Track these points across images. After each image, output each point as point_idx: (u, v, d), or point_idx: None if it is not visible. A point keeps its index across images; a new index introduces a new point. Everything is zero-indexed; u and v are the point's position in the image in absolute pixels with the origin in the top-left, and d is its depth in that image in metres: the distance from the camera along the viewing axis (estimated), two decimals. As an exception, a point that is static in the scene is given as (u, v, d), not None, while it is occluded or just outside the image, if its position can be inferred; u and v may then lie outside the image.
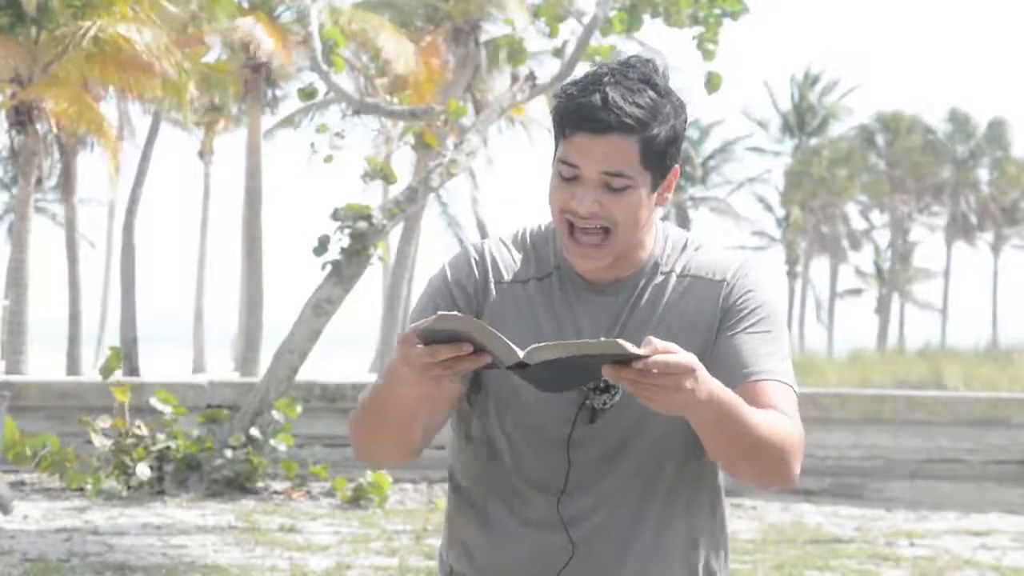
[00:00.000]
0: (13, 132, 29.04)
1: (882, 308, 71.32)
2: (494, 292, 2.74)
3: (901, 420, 14.47)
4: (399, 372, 2.52)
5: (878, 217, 73.10)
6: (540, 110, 38.96)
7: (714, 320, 2.72)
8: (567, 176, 2.62)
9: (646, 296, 2.73)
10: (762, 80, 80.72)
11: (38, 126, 28.78)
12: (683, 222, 72.96)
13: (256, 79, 36.27)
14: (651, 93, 2.62)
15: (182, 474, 13.14)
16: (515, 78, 16.10)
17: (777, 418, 2.64)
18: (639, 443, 2.72)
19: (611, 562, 2.72)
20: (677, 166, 2.71)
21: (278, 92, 40.81)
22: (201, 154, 56.80)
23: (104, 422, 13.30)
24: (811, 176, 68.06)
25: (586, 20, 15.15)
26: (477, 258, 2.77)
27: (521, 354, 2.42)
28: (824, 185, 68.11)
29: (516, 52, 17.01)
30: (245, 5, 34.44)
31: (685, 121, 2.70)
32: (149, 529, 11.32)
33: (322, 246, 13.88)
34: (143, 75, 26.40)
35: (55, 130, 29.86)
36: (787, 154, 72.99)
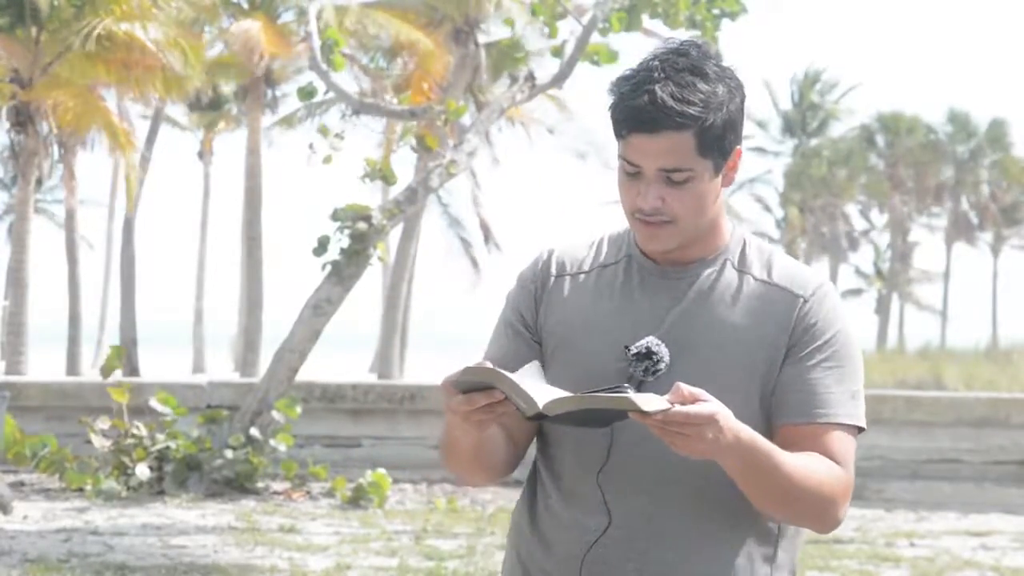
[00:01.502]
0: (13, 132, 29.03)
1: (882, 308, 71.33)
2: (554, 284, 2.81)
3: (901, 420, 14.47)
4: (448, 418, 2.65)
5: (878, 217, 73.15)
6: (540, 109, 38.96)
7: (782, 335, 2.69)
8: (630, 172, 2.67)
9: (710, 286, 2.73)
10: (762, 80, 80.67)
11: (38, 126, 28.77)
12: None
13: (256, 79, 36.27)
14: (701, 84, 2.63)
15: (182, 474, 13.14)
16: (514, 78, 16.09)
17: (819, 465, 2.63)
18: None
19: (647, 544, 2.70)
20: (740, 147, 2.73)
21: (278, 92, 40.83)
22: (201, 154, 56.79)
23: (104, 423, 13.31)
24: (811, 176, 68.07)
25: (585, 20, 15.16)
26: (544, 257, 2.85)
27: (540, 405, 2.48)
28: (824, 185, 68.12)
29: (516, 53, 17.01)
30: (245, 6, 34.44)
31: (743, 101, 2.70)
32: (149, 529, 11.32)
33: (322, 247, 13.89)
34: (145, 72, 26.39)
35: (55, 130, 29.85)
36: (787, 154, 73.02)
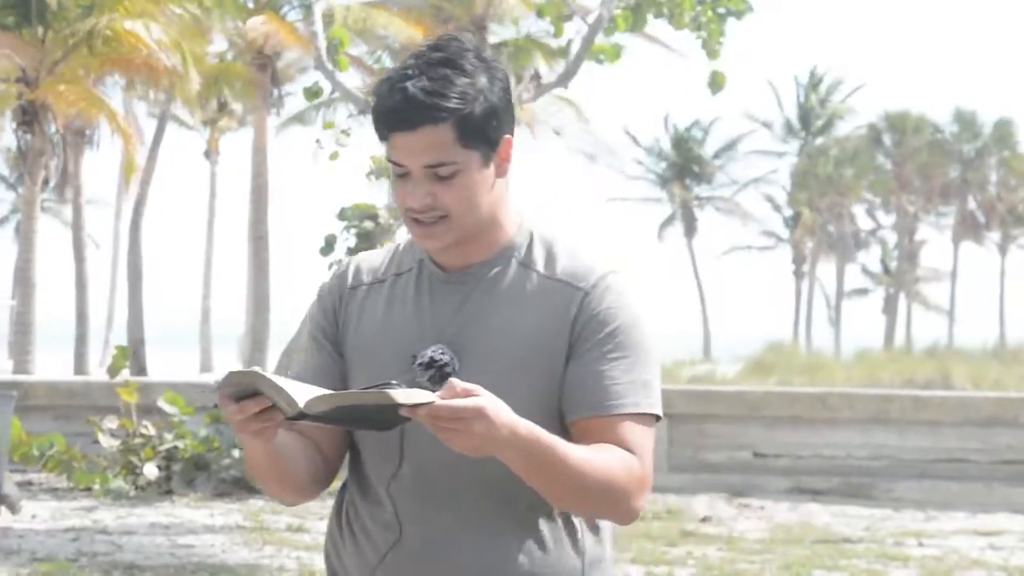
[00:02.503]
0: (20, 132, 29.05)
1: (889, 308, 71.27)
2: (351, 295, 2.77)
3: (908, 420, 14.45)
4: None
5: (884, 217, 73.09)
6: (543, 109, 38.96)
7: (563, 330, 2.64)
8: (400, 174, 2.65)
9: (495, 285, 2.69)
10: (766, 80, 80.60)
11: (45, 126, 28.79)
12: (689, 221, 72.97)
13: (262, 78, 36.27)
14: (456, 76, 2.61)
15: (190, 474, 13.15)
16: (520, 77, 16.09)
17: (608, 456, 2.56)
18: None
19: (440, 554, 2.66)
20: (510, 136, 2.68)
21: (284, 91, 40.82)
22: (207, 154, 56.83)
23: (111, 422, 13.32)
24: (818, 176, 68.03)
25: (591, 19, 15.16)
26: (342, 268, 2.83)
27: (301, 404, 2.43)
28: (831, 185, 68.08)
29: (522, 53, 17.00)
30: (251, 5, 34.44)
31: (505, 89, 2.67)
32: (157, 529, 11.33)
33: (329, 246, 13.91)
34: (150, 71, 26.43)
35: (61, 129, 29.88)
36: (792, 154, 72.99)
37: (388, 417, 2.45)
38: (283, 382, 2.46)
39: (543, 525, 2.67)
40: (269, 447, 2.60)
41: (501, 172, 2.68)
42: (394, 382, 2.46)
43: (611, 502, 2.59)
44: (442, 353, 2.64)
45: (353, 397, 2.43)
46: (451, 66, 2.62)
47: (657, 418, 2.66)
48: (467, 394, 2.42)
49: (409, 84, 2.60)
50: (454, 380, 2.43)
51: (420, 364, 2.65)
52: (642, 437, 2.62)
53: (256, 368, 2.49)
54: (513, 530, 2.66)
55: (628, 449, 2.60)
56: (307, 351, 2.80)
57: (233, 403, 2.48)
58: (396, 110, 2.60)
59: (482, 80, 2.63)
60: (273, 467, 2.66)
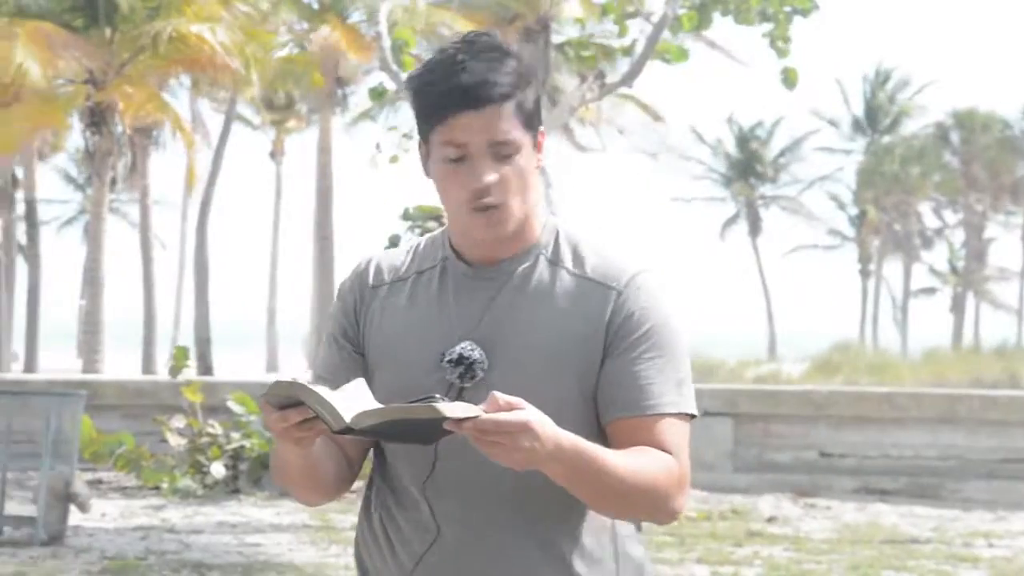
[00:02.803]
0: (88, 133, 29.30)
1: (957, 307, 70.68)
2: (372, 294, 2.75)
3: (977, 419, 14.34)
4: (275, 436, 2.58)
5: (951, 215, 72.48)
6: (608, 108, 38.89)
7: (598, 331, 2.62)
8: (455, 157, 2.60)
9: (525, 282, 2.66)
10: (833, 78, 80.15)
11: (112, 127, 29.03)
12: (754, 220, 72.65)
13: (327, 79, 36.42)
14: (507, 60, 2.61)
15: (257, 473, 13.23)
16: (583, 77, 16.07)
17: (650, 461, 2.56)
18: None
19: (477, 554, 2.63)
20: (543, 129, 2.68)
21: (348, 91, 41.00)
22: (272, 154, 57.15)
23: (179, 421, 13.42)
24: (884, 174, 67.55)
25: (655, 19, 15.11)
26: (362, 267, 2.79)
27: (348, 419, 2.42)
28: (897, 183, 67.58)
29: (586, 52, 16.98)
30: (315, 7, 34.62)
31: (539, 82, 2.70)
32: (225, 527, 11.40)
33: (393, 246, 13.92)
34: (216, 72, 26.61)
35: (129, 130, 30.11)
36: (859, 152, 72.53)
37: (431, 431, 2.44)
38: (328, 395, 2.44)
39: (581, 521, 2.66)
40: (305, 452, 2.59)
41: (537, 163, 2.67)
42: (437, 396, 2.45)
43: (652, 506, 2.58)
44: (471, 350, 2.62)
45: (399, 412, 2.42)
46: (500, 51, 2.62)
47: (692, 416, 2.66)
48: (510, 407, 2.40)
49: (469, 64, 2.58)
50: (497, 394, 2.41)
51: (449, 361, 2.62)
52: (679, 436, 2.62)
53: (299, 379, 2.48)
54: (551, 527, 2.64)
55: (666, 449, 2.59)
56: (326, 350, 2.77)
57: (275, 411, 2.47)
58: (463, 88, 2.57)
59: (525, 67, 2.64)
60: (305, 471, 2.66)
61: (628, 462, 2.53)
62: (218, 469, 13.04)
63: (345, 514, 12.04)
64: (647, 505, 2.58)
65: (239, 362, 48.78)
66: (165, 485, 12.98)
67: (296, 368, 52.14)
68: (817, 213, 73.66)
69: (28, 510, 10.67)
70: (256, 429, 13.40)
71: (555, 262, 2.67)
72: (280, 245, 62.14)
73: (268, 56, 27.77)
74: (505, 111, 2.59)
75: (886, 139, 71.60)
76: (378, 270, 2.77)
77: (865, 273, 71.13)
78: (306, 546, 10.64)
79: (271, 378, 17.57)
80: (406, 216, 14.00)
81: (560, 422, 2.48)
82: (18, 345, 45.15)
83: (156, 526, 11.37)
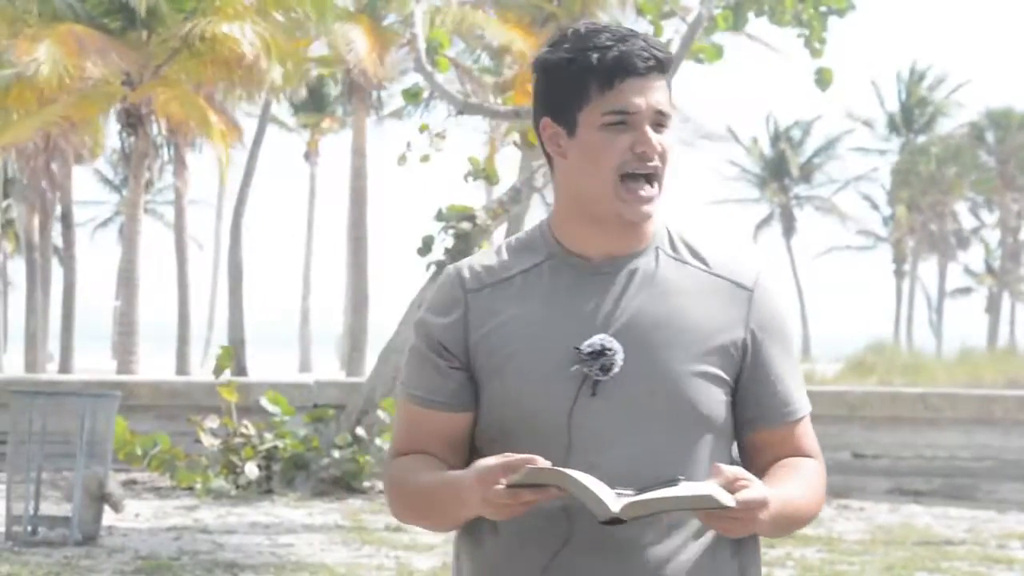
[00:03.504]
0: (124, 134, 29.43)
1: (992, 307, 70.34)
2: (473, 300, 2.65)
3: (1013, 420, 14.27)
4: (468, 502, 2.51)
5: (988, 215, 72.12)
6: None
7: (737, 327, 2.63)
8: (615, 122, 2.59)
9: (650, 278, 2.63)
10: (868, 78, 79.84)
11: (148, 128, 29.15)
12: (788, 221, 72.45)
13: (361, 80, 36.50)
14: (653, 39, 2.65)
15: (289, 473, 13.26)
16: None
17: (814, 479, 2.66)
18: (648, 420, 2.58)
19: (610, 546, 2.57)
20: None
21: (383, 93, 41.08)
22: (307, 155, 57.29)
23: (212, 421, 13.46)
24: (919, 174, 67.28)
25: (690, 18, 15.08)
26: (452, 277, 2.69)
27: (616, 509, 2.40)
28: (932, 183, 67.30)
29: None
30: (352, 9, 34.66)
31: None
32: (257, 528, 11.43)
33: (426, 247, 13.95)
34: (250, 74, 26.70)
35: (164, 132, 30.23)
36: (894, 152, 72.24)
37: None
38: (591, 483, 2.41)
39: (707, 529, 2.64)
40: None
41: None
42: (680, 477, 2.47)
43: (812, 519, 2.69)
44: (610, 341, 2.57)
45: (671, 503, 2.41)
46: (635, 33, 2.64)
47: None
48: (738, 480, 2.45)
49: (629, 37, 2.61)
50: (721, 466, 2.45)
51: (590, 353, 2.56)
52: (813, 435, 2.72)
53: (567, 470, 2.42)
54: (687, 524, 2.61)
55: (809, 452, 2.70)
56: (421, 369, 2.66)
57: (501, 486, 2.44)
58: (638, 54, 2.59)
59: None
60: (450, 523, 2.65)
61: (805, 492, 2.63)
62: (251, 470, 13.08)
63: (377, 515, 12.06)
64: (810, 518, 2.67)
65: (273, 363, 48.90)
66: (198, 485, 13.02)
67: (329, 368, 52.18)
68: (851, 213, 73.45)
69: (62, 510, 10.73)
70: (289, 430, 13.44)
71: (677, 258, 2.66)
72: (314, 246, 62.27)
73: (303, 59, 27.82)
74: (663, 83, 2.63)
75: (921, 139, 71.30)
76: (473, 274, 2.67)
77: (900, 273, 70.85)
78: (338, 547, 10.66)
79: (304, 379, 17.58)
80: (439, 217, 14.01)
81: (699, 418, 2.57)
82: (53, 346, 45.40)
83: (189, 526, 11.41)
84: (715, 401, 2.60)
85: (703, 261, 2.67)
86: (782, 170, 73.00)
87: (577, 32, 2.64)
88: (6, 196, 45.68)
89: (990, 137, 68.96)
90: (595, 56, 2.59)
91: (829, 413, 14.44)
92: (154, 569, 9.54)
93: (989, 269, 72.55)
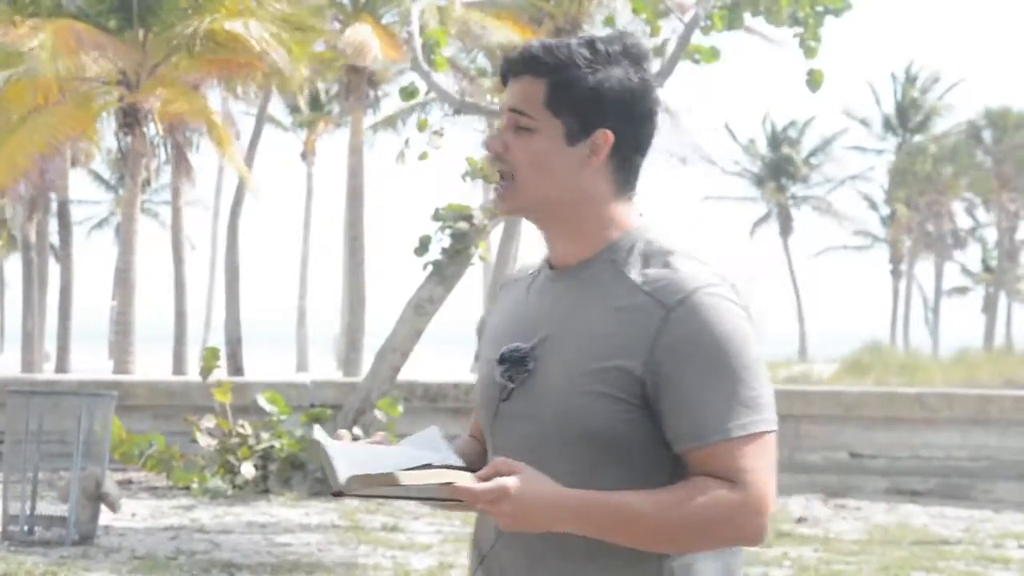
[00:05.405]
0: (121, 134, 29.39)
1: (989, 307, 70.37)
2: (498, 297, 2.84)
3: (1009, 420, 14.28)
4: None
5: (984, 215, 72.16)
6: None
7: (639, 347, 2.53)
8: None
9: (588, 286, 2.62)
10: (863, 78, 79.85)
11: (145, 128, 29.12)
12: (785, 220, 72.48)
13: (358, 80, 36.49)
14: (579, 48, 2.61)
15: (286, 473, 13.26)
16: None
17: (687, 493, 2.48)
18: (546, 430, 2.58)
19: (525, 556, 2.62)
20: (609, 132, 2.60)
21: (379, 92, 41.07)
22: (303, 155, 57.27)
23: (209, 421, 13.46)
24: (916, 174, 67.30)
25: (687, 18, 15.08)
26: (508, 272, 2.90)
27: (342, 480, 2.44)
28: (929, 183, 67.32)
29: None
30: (350, 8, 34.68)
31: (623, 84, 2.61)
32: (254, 527, 11.43)
33: (423, 246, 13.94)
34: (250, 71, 26.66)
35: (162, 132, 30.20)
36: (890, 152, 72.29)
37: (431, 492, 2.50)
38: (336, 451, 2.49)
39: (617, 558, 2.59)
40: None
41: (593, 164, 2.60)
42: (433, 463, 2.48)
43: (713, 538, 2.51)
44: (515, 350, 2.63)
45: (402, 488, 2.45)
46: (585, 42, 2.64)
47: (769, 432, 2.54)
48: (509, 470, 2.44)
49: (535, 42, 2.66)
50: (498, 459, 2.48)
51: (500, 359, 2.65)
52: (751, 458, 2.50)
53: (316, 434, 2.52)
54: (594, 544, 2.56)
55: (734, 475, 2.48)
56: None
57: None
58: (509, 59, 2.66)
59: (606, 64, 2.61)
60: None
61: (664, 501, 2.48)
62: (248, 469, 13.07)
63: (373, 514, 12.06)
64: (706, 539, 2.50)
65: (269, 362, 48.88)
66: (195, 485, 13.02)
67: (326, 367, 52.22)
68: (848, 213, 73.47)
69: (59, 510, 10.73)
70: (285, 430, 13.44)
71: (620, 268, 2.61)
72: (311, 245, 62.25)
73: (307, 49, 27.70)
74: (535, 85, 2.63)
75: (917, 138, 71.32)
76: (517, 273, 2.84)
77: (896, 273, 70.87)
78: (335, 546, 10.66)
79: (301, 378, 17.59)
80: (436, 216, 14.01)
81: (586, 434, 2.52)
82: (50, 345, 45.36)
83: (186, 526, 11.41)
84: (609, 419, 2.53)
85: (642, 275, 2.58)
86: (779, 169, 73.03)
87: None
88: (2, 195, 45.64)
89: (987, 137, 68.99)
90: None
91: (826, 413, 14.46)
92: (151, 569, 9.54)
93: (986, 269, 72.58)
